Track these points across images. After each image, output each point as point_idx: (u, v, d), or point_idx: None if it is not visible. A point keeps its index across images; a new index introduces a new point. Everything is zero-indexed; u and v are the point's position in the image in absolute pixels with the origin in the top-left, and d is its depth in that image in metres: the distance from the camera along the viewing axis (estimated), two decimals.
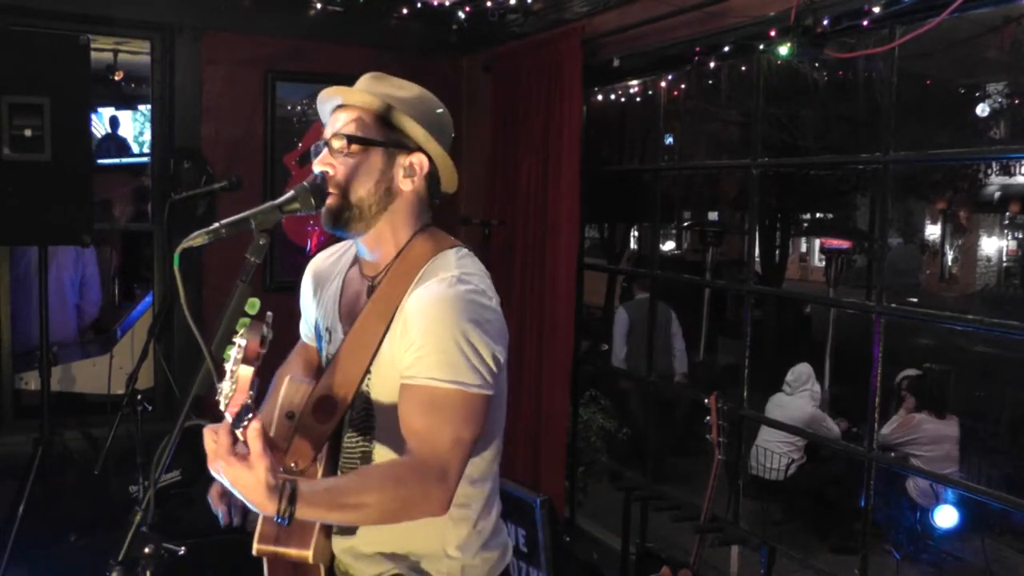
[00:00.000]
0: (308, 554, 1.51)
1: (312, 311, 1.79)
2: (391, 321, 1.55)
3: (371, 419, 1.59)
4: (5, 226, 3.23)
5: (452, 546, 1.62)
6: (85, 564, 3.13)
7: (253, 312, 1.39)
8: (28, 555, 3.28)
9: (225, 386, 1.26)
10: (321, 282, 1.77)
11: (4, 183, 3.15)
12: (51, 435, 3.41)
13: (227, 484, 1.35)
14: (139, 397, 3.44)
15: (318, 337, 1.76)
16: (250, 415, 1.28)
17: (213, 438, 1.34)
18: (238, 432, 1.30)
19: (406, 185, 1.59)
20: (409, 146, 1.59)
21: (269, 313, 1.35)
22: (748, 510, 5.17)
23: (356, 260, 1.70)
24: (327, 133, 1.59)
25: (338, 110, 1.61)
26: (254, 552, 1.53)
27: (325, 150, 1.57)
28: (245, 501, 1.36)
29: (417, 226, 1.63)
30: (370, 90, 1.59)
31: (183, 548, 1.47)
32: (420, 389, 1.47)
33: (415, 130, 1.57)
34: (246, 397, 1.26)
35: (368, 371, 1.57)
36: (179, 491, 3.34)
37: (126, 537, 1.42)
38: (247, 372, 1.25)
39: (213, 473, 1.36)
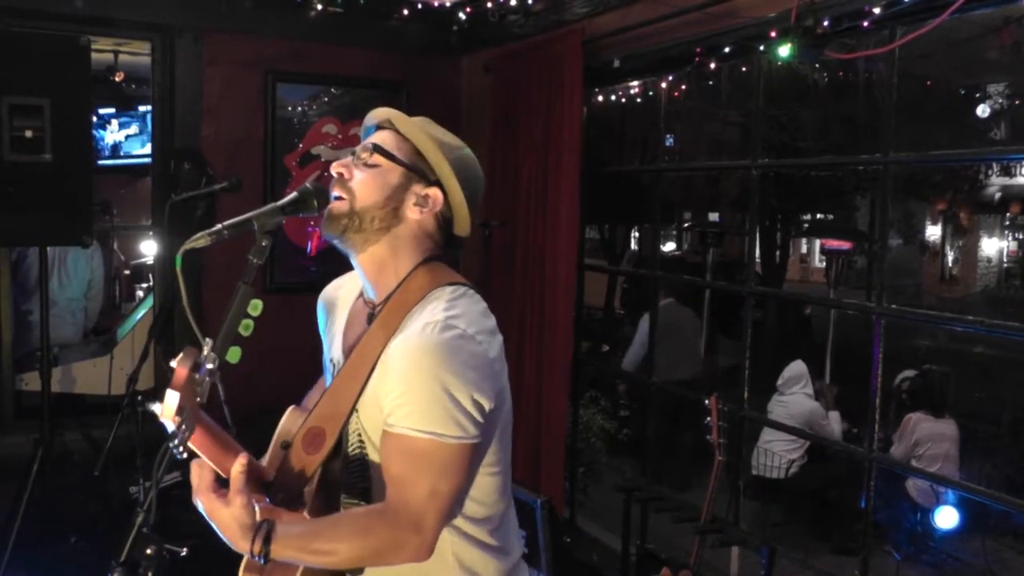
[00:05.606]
0: None
1: (325, 342, 1.78)
2: (378, 359, 1.53)
3: (364, 458, 1.58)
4: (5, 227, 3.23)
5: None
6: (86, 565, 3.14)
7: (256, 313, 1.38)
8: (28, 556, 3.28)
9: (157, 408, 1.26)
10: (331, 312, 1.76)
11: (4, 184, 3.15)
12: (52, 436, 3.40)
13: (207, 518, 1.40)
14: (139, 398, 3.44)
15: (326, 368, 1.75)
16: (176, 441, 1.28)
17: (198, 472, 1.40)
18: (174, 452, 1.31)
19: (414, 214, 1.57)
20: (429, 178, 1.58)
21: (208, 340, 1.33)
22: (749, 511, 5.17)
23: (363, 295, 1.69)
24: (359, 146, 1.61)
25: (379, 130, 1.63)
26: None
27: (350, 156, 1.58)
28: (223, 537, 1.40)
29: (420, 260, 1.61)
30: (413, 122, 1.61)
31: (184, 549, 1.46)
32: (398, 438, 1.45)
33: (440, 164, 1.57)
34: (172, 422, 1.25)
35: (355, 408, 1.56)
36: (180, 492, 3.34)
37: (127, 538, 1.42)
38: (172, 398, 1.25)
39: (196, 506, 1.41)
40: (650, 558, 3.32)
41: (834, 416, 5.71)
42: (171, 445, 1.29)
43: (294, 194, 1.51)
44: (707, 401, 3.13)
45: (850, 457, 5.43)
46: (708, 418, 3.12)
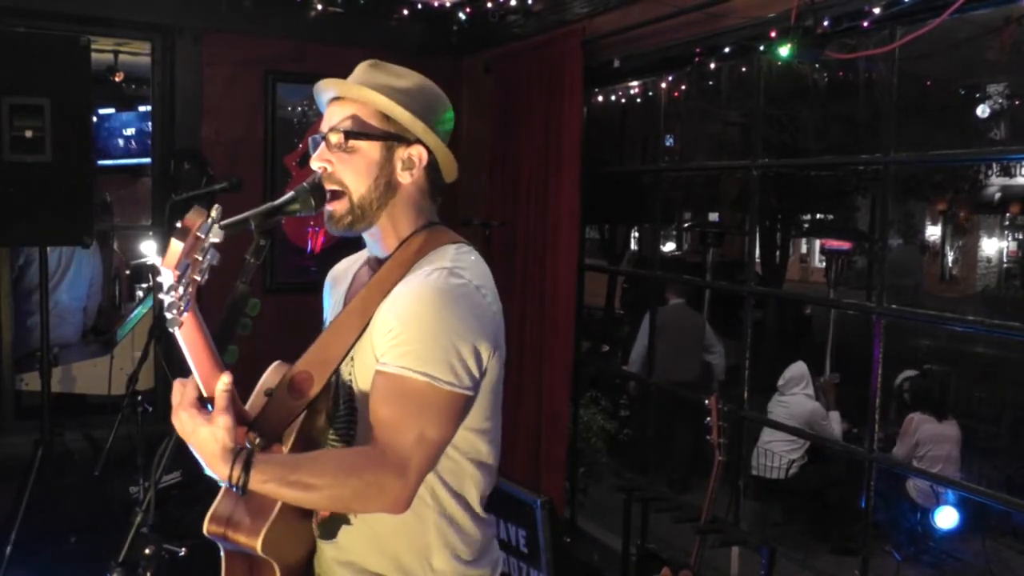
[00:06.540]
0: (257, 543, 1.42)
1: (328, 314, 1.77)
2: (377, 308, 1.52)
3: (352, 406, 1.56)
4: (5, 227, 3.23)
5: (437, 559, 1.55)
6: (85, 565, 3.13)
7: (254, 313, 1.39)
8: (28, 556, 3.28)
9: (158, 260, 1.20)
10: (336, 285, 1.77)
11: (5, 184, 3.15)
12: (52, 436, 3.40)
13: (185, 438, 1.34)
14: (139, 398, 3.44)
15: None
16: (172, 299, 1.20)
17: (180, 389, 1.34)
18: (168, 316, 1.22)
19: (405, 178, 1.57)
20: (408, 139, 1.56)
21: (217, 206, 1.25)
22: (749, 511, 5.17)
23: (367, 260, 1.69)
24: (324, 127, 1.56)
25: (334, 102, 1.58)
26: (204, 532, 1.47)
27: (323, 145, 1.55)
28: (200, 461, 1.35)
29: (420, 219, 1.60)
30: (367, 81, 1.56)
31: (184, 549, 1.46)
32: (391, 377, 1.43)
33: (414, 124, 1.55)
34: (172, 274, 1.19)
35: (348, 354, 1.54)
36: (180, 492, 3.34)
37: (126, 538, 1.42)
38: (176, 246, 1.19)
39: (175, 425, 1.35)
40: (650, 558, 3.33)
41: (834, 416, 5.71)
42: (163, 298, 1.20)
43: (291, 193, 1.49)
44: (707, 401, 3.13)
45: (850, 457, 5.44)
46: (708, 418, 3.12)
